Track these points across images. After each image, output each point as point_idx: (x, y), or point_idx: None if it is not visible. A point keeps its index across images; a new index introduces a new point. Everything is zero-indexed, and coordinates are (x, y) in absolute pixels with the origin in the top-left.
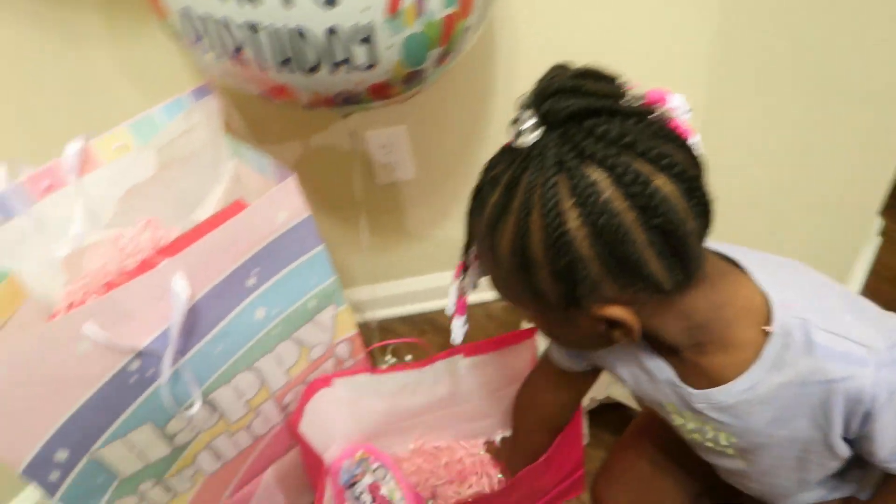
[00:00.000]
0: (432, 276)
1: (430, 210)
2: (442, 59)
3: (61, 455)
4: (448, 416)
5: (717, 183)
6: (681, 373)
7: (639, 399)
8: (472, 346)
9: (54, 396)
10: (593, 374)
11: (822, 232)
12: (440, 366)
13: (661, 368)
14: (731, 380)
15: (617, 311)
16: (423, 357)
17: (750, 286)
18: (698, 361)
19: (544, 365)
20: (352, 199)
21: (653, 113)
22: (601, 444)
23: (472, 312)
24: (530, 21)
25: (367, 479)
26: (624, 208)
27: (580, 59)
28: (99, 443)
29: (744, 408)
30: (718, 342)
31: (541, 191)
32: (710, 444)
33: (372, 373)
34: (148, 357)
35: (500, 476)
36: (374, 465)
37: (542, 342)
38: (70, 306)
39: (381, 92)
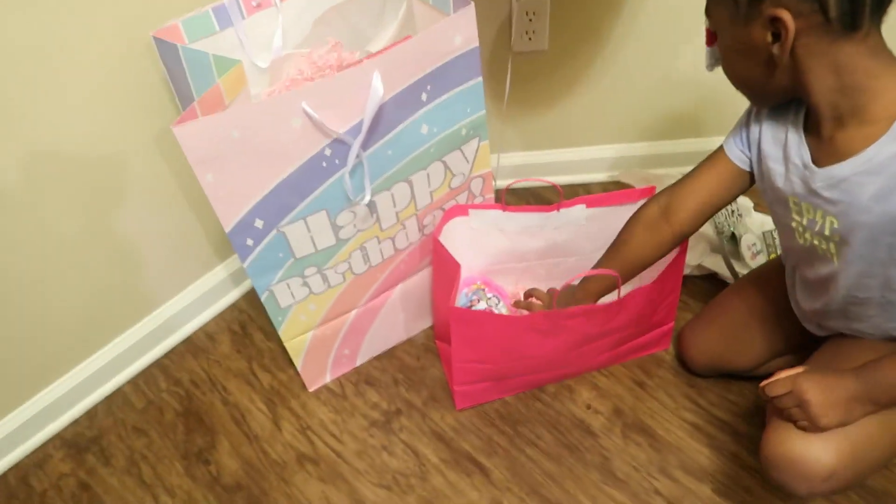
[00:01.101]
0: (542, 153)
1: (555, 84)
2: None
3: (258, 223)
4: (557, 265)
5: None
6: (814, 153)
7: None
8: (593, 197)
9: (265, 166)
10: (745, 179)
11: None
12: (563, 213)
13: (800, 147)
14: (856, 154)
15: (784, 13)
16: None
17: None
18: (834, 136)
19: (712, 160)
20: (486, 64)
21: None
22: (689, 309)
23: (575, 191)
24: None
25: (482, 305)
26: None
27: None
28: (286, 219)
29: (856, 180)
30: (859, 114)
31: None
32: (816, 242)
33: (504, 209)
34: (340, 145)
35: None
36: (490, 295)
37: None
38: None
39: None
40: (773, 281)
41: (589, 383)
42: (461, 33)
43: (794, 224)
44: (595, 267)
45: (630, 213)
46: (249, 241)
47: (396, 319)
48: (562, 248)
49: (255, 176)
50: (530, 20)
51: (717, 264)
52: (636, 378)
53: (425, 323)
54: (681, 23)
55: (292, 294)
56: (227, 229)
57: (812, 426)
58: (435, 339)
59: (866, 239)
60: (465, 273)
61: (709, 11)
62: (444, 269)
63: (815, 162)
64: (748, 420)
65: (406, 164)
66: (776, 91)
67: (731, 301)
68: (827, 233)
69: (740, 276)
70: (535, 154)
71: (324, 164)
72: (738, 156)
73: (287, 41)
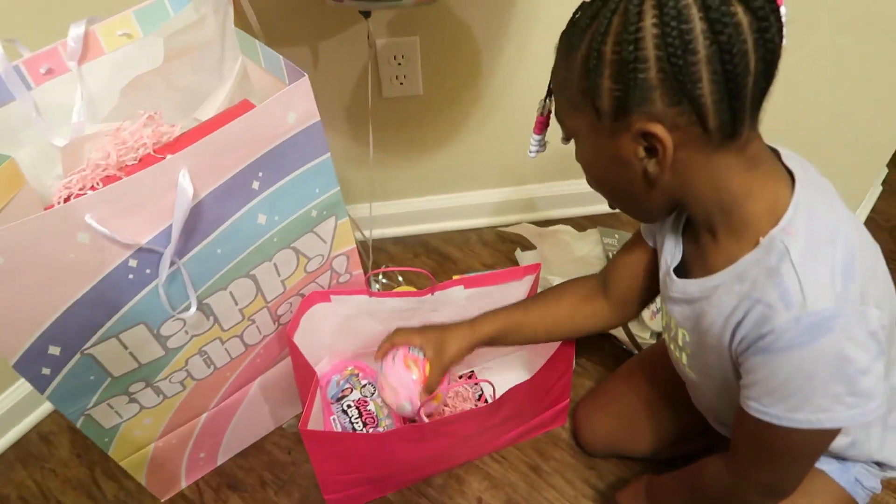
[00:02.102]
0: (429, 199)
1: (434, 129)
2: None
3: (54, 349)
4: None
5: None
6: (687, 259)
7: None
8: (472, 278)
9: (50, 288)
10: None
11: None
12: (439, 295)
13: (675, 248)
14: (710, 275)
15: (658, 129)
16: (415, 281)
17: (785, 195)
18: (707, 248)
19: (633, 239)
20: (355, 112)
21: None
22: (586, 374)
23: (467, 236)
24: None
25: (355, 395)
26: (697, 18)
27: None
28: (93, 340)
29: (702, 305)
30: (730, 231)
31: None
32: (672, 347)
33: (370, 296)
34: (148, 254)
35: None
36: (364, 382)
37: (544, 278)
38: (67, 198)
39: None
40: (668, 363)
41: (480, 472)
42: (295, 109)
43: (663, 321)
44: (510, 310)
45: (513, 290)
46: (46, 371)
47: (261, 411)
48: None
49: (38, 302)
50: (399, 64)
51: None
52: (531, 462)
53: (297, 408)
54: None
55: (118, 413)
56: (11, 362)
57: None
58: None
59: (708, 364)
60: (334, 359)
61: (560, 118)
62: (301, 372)
63: (687, 267)
64: None
65: (243, 259)
66: (653, 208)
67: (625, 386)
68: (680, 343)
69: (638, 338)
70: (414, 201)
71: (131, 277)
72: (650, 236)
73: (95, 113)
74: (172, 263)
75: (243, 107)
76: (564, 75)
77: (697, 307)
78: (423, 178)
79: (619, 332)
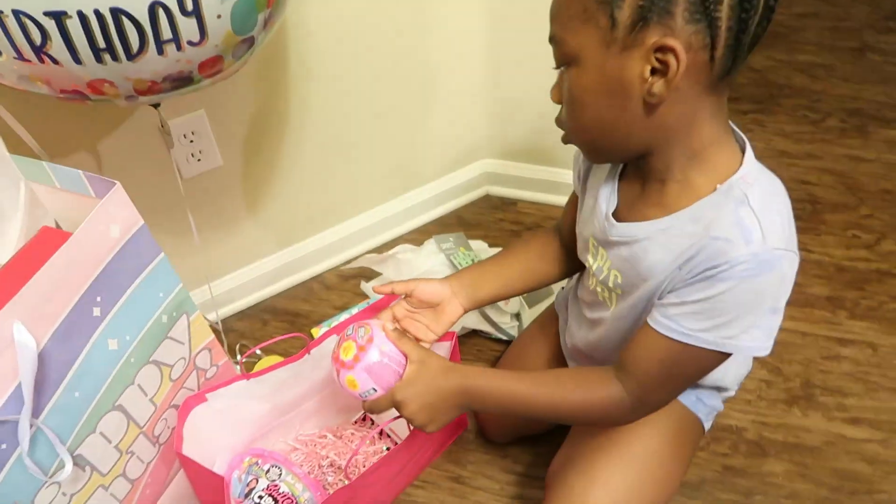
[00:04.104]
0: (260, 263)
1: (245, 194)
2: (267, 22)
3: None
4: (326, 398)
5: None
6: (623, 202)
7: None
8: (340, 325)
9: None
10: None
11: None
12: (316, 352)
13: (611, 195)
14: (655, 218)
15: (676, 44)
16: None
17: (737, 155)
18: (650, 194)
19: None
20: (160, 201)
21: None
22: None
23: (310, 286)
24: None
25: (262, 483)
26: None
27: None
28: None
29: (647, 245)
30: (687, 178)
31: None
32: (598, 289)
33: (248, 378)
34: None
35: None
36: (266, 467)
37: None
38: None
39: (212, 67)
40: (552, 335)
41: None
42: (116, 220)
43: (587, 265)
44: (498, 270)
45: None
46: None
47: None
48: (326, 381)
49: None
50: (192, 141)
51: (476, 321)
52: (452, 474)
53: None
54: (352, 78)
55: None
56: None
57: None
58: None
59: (630, 305)
60: (227, 455)
61: (561, 38)
62: (204, 483)
63: (619, 211)
64: None
65: (105, 393)
66: (627, 146)
67: (538, 347)
68: (610, 284)
69: (501, 324)
70: (243, 272)
71: None
72: (578, 187)
73: None
74: (30, 427)
75: (47, 235)
76: None
77: (637, 247)
78: (249, 245)
79: (482, 325)
